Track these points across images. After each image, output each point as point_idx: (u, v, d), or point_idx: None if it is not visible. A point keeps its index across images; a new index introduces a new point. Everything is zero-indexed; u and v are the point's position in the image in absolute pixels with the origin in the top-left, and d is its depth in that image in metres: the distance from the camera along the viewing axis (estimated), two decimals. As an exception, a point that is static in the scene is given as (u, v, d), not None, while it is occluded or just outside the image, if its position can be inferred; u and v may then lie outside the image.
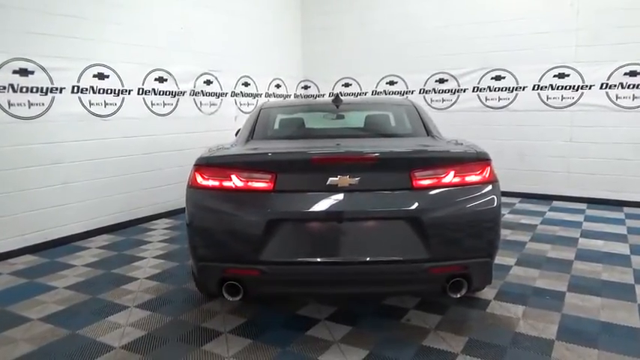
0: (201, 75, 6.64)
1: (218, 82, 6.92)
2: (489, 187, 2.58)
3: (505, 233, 4.97)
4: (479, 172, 2.58)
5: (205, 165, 2.63)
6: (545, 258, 4.21)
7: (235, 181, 2.55)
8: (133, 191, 5.78)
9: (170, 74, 6.16)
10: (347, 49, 8.26)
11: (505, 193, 6.84)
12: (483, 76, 7.16)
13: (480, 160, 2.60)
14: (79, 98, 5.16)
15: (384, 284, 2.57)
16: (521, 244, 4.64)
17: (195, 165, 2.66)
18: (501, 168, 6.92)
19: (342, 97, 3.67)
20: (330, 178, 2.43)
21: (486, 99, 7.19)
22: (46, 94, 4.86)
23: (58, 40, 4.90)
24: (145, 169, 5.86)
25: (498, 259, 3.96)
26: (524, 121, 6.94)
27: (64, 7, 4.92)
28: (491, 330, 2.88)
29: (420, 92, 7.68)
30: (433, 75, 7.53)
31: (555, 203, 6.48)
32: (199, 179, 2.64)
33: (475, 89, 7.24)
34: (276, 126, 3.51)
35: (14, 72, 4.59)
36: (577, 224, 5.35)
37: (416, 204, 2.42)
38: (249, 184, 2.52)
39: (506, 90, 7.02)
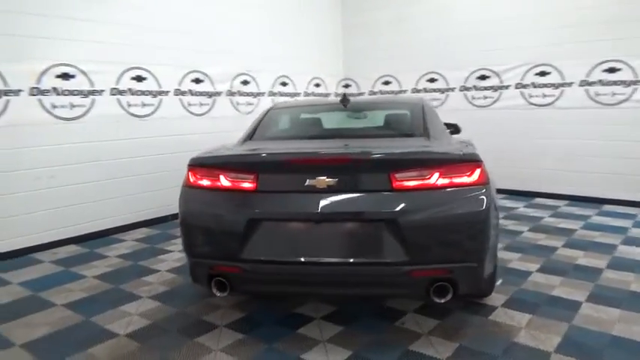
0: (238, 75, 6.82)
1: (255, 82, 7.09)
2: (477, 190, 2.49)
3: (538, 237, 4.77)
4: (466, 173, 2.50)
5: (197, 165, 2.73)
6: (573, 265, 3.98)
7: (223, 181, 2.63)
8: (170, 187, 6.04)
9: (206, 75, 6.39)
10: (386, 46, 8.17)
11: (549, 195, 6.64)
12: (527, 71, 6.84)
13: (467, 161, 2.52)
14: (118, 100, 5.48)
15: (362, 286, 2.56)
16: (552, 249, 4.42)
17: (188, 165, 2.78)
18: (545, 168, 6.70)
19: (350, 98, 3.66)
20: (308, 180, 2.45)
21: (530, 96, 6.86)
22: (87, 96, 5.21)
23: (97, 45, 5.23)
24: (181, 166, 6.10)
25: (520, 265, 3.86)
26: (571, 118, 6.56)
27: (104, 15, 5.24)
28: (486, 338, 2.78)
29: (460, 89, 7.47)
30: (474, 72, 7.29)
31: (606, 207, 6.08)
32: (192, 179, 2.75)
33: (518, 86, 6.93)
34: (279, 126, 3.57)
35: (57, 76, 4.95)
36: (622, 230, 5.01)
37: (394, 206, 2.39)
38: (235, 184, 2.60)
39: (551, 86, 6.67)
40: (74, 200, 5.12)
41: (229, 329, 2.96)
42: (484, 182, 2.53)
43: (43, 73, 4.86)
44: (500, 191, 6.96)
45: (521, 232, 4.99)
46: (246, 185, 2.57)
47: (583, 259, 4.13)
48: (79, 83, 5.13)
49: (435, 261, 2.43)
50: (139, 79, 5.67)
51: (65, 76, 5.03)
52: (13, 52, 4.59)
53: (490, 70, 7.14)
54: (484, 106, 7.27)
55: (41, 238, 4.89)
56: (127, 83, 5.56)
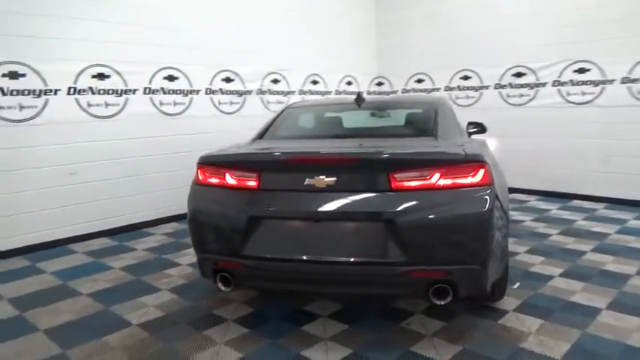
0: (269, 74, 6.93)
1: (286, 80, 7.17)
2: (480, 191, 2.44)
3: (567, 241, 4.60)
4: (468, 174, 2.45)
5: (205, 163, 2.82)
6: (600, 271, 3.82)
7: (228, 179, 2.70)
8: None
9: (237, 74, 6.52)
10: (419, 43, 8.07)
11: (587, 198, 6.37)
12: (565, 68, 6.57)
13: (470, 162, 2.47)
14: (151, 99, 5.69)
15: (360, 285, 2.56)
16: (579, 253, 4.25)
17: (197, 163, 2.86)
18: (583, 170, 6.42)
19: (364, 97, 3.65)
20: (308, 179, 2.48)
21: (568, 94, 6.60)
22: (121, 95, 5.44)
23: (131, 46, 5.46)
24: (210, 163, 6.28)
25: (542, 269, 3.75)
26: (612, 117, 6.25)
27: (138, 18, 5.45)
28: (492, 342, 2.73)
29: (495, 87, 7.27)
30: (510, 69, 7.09)
31: (646, 211, 5.78)
32: (200, 177, 2.84)
33: (555, 83, 6.68)
34: (291, 125, 3.60)
35: (93, 76, 5.20)
36: (659, 235, 4.75)
37: (392, 206, 2.38)
38: (240, 182, 2.66)
39: (590, 84, 6.38)
40: (107, 195, 5.36)
41: (237, 324, 3.04)
42: (487, 183, 2.47)
43: (80, 73, 5.12)
44: (534, 192, 6.79)
45: (550, 235, 4.82)
46: (250, 184, 2.63)
47: (611, 264, 3.95)
48: (113, 83, 5.36)
49: (434, 262, 2.41)
50: (171, 78, 5.86)
51: (101, 76, 5.27)
52: (52, 54, 4.86)
53: (526, 67, 6.92)
54: (519, 105, 7.05)
55: (76, 230, 5.16)
56: (159, 83, 5.76)
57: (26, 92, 4.78)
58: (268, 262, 2.55)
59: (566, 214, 5.70)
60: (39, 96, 4.86)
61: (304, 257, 2.49)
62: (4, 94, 4.64)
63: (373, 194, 2.43)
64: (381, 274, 2.42)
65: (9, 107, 4.68)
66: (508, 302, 3.23)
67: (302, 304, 3.27)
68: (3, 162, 4.64)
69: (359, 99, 3.60)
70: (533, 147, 6.93)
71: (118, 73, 5.39)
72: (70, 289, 3.76)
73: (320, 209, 2.47)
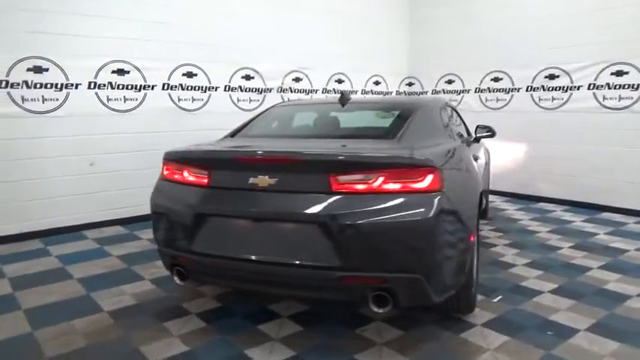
0: (290, 72, 6.96)
1: (308, 79, 7.18)
2: (424, 197, 2.34)
3: (575, 255, 4.32)
4: (415, 179, 2.35)
5: (168, 159, 2.88)
6: (597, 289, 3.56)
7: (185, 176, 2.75)
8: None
9: (257, 72, 6.60)
10: (451, 43, 7.82)
11: (619, 210, 5.93)
12: (601, 71, 6.15)
13: (417, 166, 2.36)
14: (169, 95, 5.89)
15: (297, 288, 2.52)
16: (583, 269, 3.98)
17: (163, 159, 2.93)
18: (617, 180, 5.99)
19: (350, 97, 3.59)
20: (251, 178, 2.48)
21: (604, 98, 6.17)
22: (139, 90, 5.66)
23: (151, 44, 5.66)
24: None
25: (534, 284, 3.57)
26: (653, 124, 5.79)
27: (157, 15, 5.65)
28: (443, 356, 2.61)
29: (527, 90, 6.92)
30: (542, 70, 6.72)
31: (687, 228, 5.31)
32: (165, 172, 2.91)
33: (591, 86, 6.26)
34: (267, 124, 3.60)
35: (113, 72, 5.45)
36: (686, 256, 4.35)
37: (328, 209, 2.33)
38: (194, 179, 2.70)
39: (629, 87, 5.94)
40: (123, 185, 5.60)
41: (198, 318, 3.09)
42: (435, 189, 2.36)
43: (101, 68, 5.37)
44: (563, 202, 6.42)
45: (559, 249, 4.54)
46: (201, 181, 2.66)
47: (614, 283, 3.66)
48: (132, 78, 5.59)
49: (370, 269, 2.33)
50: (190, 75, 6.03)
51: (120, 72, 5.51)
52: (74, 50, 5.13)
53: (560, 69, 6.54)
54: (552, 109, 6.67)
55: (91, 217, 5.44)
56: (178, 79, 5.94)
57: (49, 86, 5.08)
58: (213, 259, 2.57)
59: (589, 227, 5.34)
60: (61, 89, 5.14)
61: (246, 256, 2.49)
62: (28, 87, 4.95)
63: (312, 196, 2.39)
64: (317, 278, 2.38)
65: (32, 99, 5.00)
66: (480, 315, 3.09)
67: (268, 303, 3.28)
68: (25, 150, 4.96)
69: (343, 99, 3.54)
70: (564, 154, 6.54)
71: (137, 68, 5.60)
72: (66, 273, 3.97)
73: (261, 209, 2.46)
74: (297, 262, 2.39)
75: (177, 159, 2.81)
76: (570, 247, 4.58)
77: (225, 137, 3.42)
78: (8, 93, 4.85)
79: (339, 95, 3.52)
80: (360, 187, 2.36)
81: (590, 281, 3.71)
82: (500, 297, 3.38)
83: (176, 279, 2.82)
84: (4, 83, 4.81)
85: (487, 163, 5.29)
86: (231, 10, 6.25)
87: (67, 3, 5.04)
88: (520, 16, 6.88)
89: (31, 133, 5.00)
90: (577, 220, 5.66)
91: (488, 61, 7.33)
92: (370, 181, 2.36)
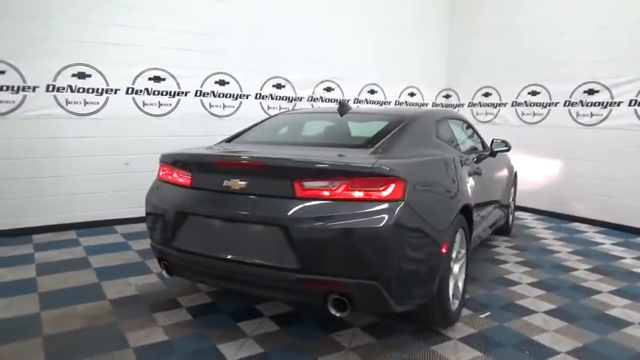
0: (322, 82, 7.12)
1: (340, 89, 7.30)
2: (385, 206, 2.39)
3: (589, 278, 4.15)
4: (378, 187, 2.41)
5: (162, 161, 3.11)
6: (598, 314, 3.40)
7: (174, 177, 2.96)
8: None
9: (288, 81, 6.82)
10: (489, 54, 7.68)
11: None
12: (643, 86, 5.82)
13: (378, 175, 2.41)
14: (201, 101, 6.22)
15: (263, 288, 2.63)
16: (591, 292, 3.81)
17: (159, 160, 3.16)
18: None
19: (349, 106, 3.69)
20: (226, 181, 2.63)
21: (646, 115, 5.83)
22: (174, 96, 6.02)
23: (186, 52, 6.01)
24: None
25: (531, 303, 3.52)
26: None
27: (192, 26, 6.00)
28: (406, 366, 2.63)
29: (565, 105, 6.67)
30: (581, 85, 6.46)
31: None
32: (160, 173, 3.13)
33: (632, 102, 5.95)
34: (264, 131, 3.74)
35: (149, 79, 5.84)
36: None
37: (289, 213, 2.43)
38: (180, 180, 2.91)
39: (673, 105, 5.59)
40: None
41: (187, 311, 3.28)
42: (398, 199, 2.41)
43: (138, 75, 5.78)
44: (599, 224, 6.13)
45: (575, 270, 4.36)
46: (185, 182, 2.86)
47: (619, 309, 3.49)
48: (167, 85, 5.96)
49: (327, 273, 2.41)
50: (222, 83, 6.34)
51: (157, 79, 5.90)
52: (114, 58, 5.57)
53: (600, 84, 6.26)
54: (590, 125, 6.39)
55: (124, 213, 5.82)
56: (210, 86, 6.26)
57: (90, 90, 5.53)
58: (190, 256, 2.75)
59: (617, 251, 5.08)
60: (101, 94, 5.59)
61: (217, 254, 2.64)
62: (72, 91, 5.42)
63: (277, 200, 2.50)
64: (278, 278, 2.48)
65: (75, 102, 5.47)
66: (460, 330, 3.06)
67: (255, 303, 3.41)
68: (68, 149, 5.43)
69: (341, 108, 3.64)
70: (601, 173, 6.24)
71: (172, 76, 5.97)
72: (86, 262, 4.31)
73: (232, 210, 2.61)
74: (261, 262, 2.51)
75: (169, 161, 3.02)
76: (587, 270, 4.38)
77: (222, 142, 3.61)
78: (54, 96, 5.34)
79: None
80: (322, 193, 2.45)
81: (593, 305, 3.56)
82: (488, 313, 3.33)
83: (164, 272, 3.02)
84: (51, 87, 5.30)
85: (508, 179, 5.17)
86: (265, 22, 6.50)
87: (110, 15, 5.48)
88: (559, 29, 6.67)
89: (73, 133, 5.46)
90: (607, 243, 5.38)
91: (525, 74, 7.13)
92: (333, 188, 2.44)
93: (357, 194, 2.42)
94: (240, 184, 2.59)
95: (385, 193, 2.41)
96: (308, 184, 2.47)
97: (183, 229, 2.77)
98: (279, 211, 2.46)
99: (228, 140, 3.62)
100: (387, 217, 2.35)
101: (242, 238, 2.60)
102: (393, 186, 2.41)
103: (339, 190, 2.43)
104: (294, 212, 2.43)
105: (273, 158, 2.69)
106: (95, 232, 5.35)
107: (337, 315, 2.46)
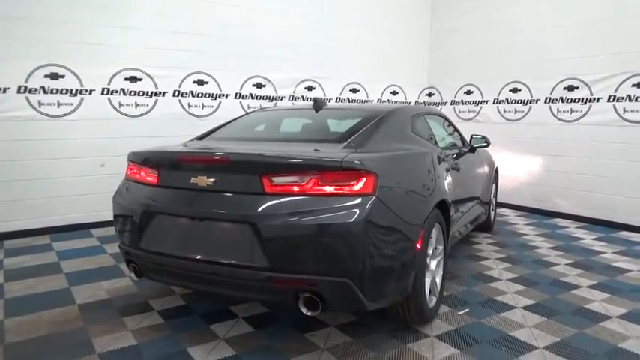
0: (303, 81, 7.05)
1: (321, 88, 7.24)
2: (356, 201, 2.32)
3: (569, 273, 4.15)
4: (348, 182, 2.35)
5: (129, 160, 3.01)
6: (577, 308, 3.37)
7: (142, 176, 2.87)
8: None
9: (268, 80, 6.74)
10: (472, 53, 7.68)
11: (639, 230, 5.56)
12: (622, 82, 5.85)
13: (349, 169, 2.35)
14: (179, 101, 6.11)
15: (233, 288, 2.54)
16: (570, 287, 3.80)
17: (127, 159, 3.06)
18: (638, 197, 5.62)
19: (324, 103, 3.63)
20: (192, 178, 2.55)
21: (624, 110, 5.87)
22: (151, 96, 5.91)
23: (163, 52, 5.90)
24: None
25: (509, 298, 3.50)
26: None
27: (167, 24, 5.89)
28: (381, 365, 2.57)
29: (545, 101, 6.68)
30: (561, 81, 6.47)
31: None
32: (128, 172, 3.03)
33: (611, 98, 5.97)
34: (238, 128, 3.66)
35: (125, 79, 5.72)
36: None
37: (257, 210, 2.36)
38: (147, 179, 2.81)
39: (651, 100, 5.61)
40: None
41: (158, 315, 3.18)
42: (368, 193, 2.35)
43: (114, 75, 5.66)
44: (580, 219, 6.13)
45: (554, 265, 4.34)
46: (152, 180, 2.76)
47: (597, 303, 3.46)
48: (144, 85, 5.84)
49: (298, 271, 2.34)
50: (201, 82, 6.24)
51: (133, 79, 5.78)
52: (89, 58, 5.44)
53: (579, 80, 6.28)
54: (570, 121, 6.41)
55: (100, 216, 5.66)
56: (189, 86, 6.15)
57: (64, 91, 5.40)
58: (158, 257, 2.65)
59: (597, 245, 5.07)
60: (75, 95, 5.46)
61: (185, 254, 2.55)
62: (45, 92, 5.29)
63: (245, 197, 2.43)
64: (247, 278, 2.40)
65: (49, 104, 5.33)
66: (438, 327, 3.01)
67: (230, 304, 3.32)
68: (42, 151, 5.29)
69: (316, 105, 3.57)
70: (582, 168, 6.26)
71: (149, 76, 5.86)
72: (58, 268, 4.18)
73: (198, 208, 2.52)
74: (230, 261, 2.42)
75: (136, 160, 2.92)
76: (567, 265, 4.36)
77: (193, 139, 3.52)
78: (26, 97, 5.19)
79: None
80: (291, 188, 2.38)
81: (572, 299, 3.53)
82: (466, 310, 3.28)
83: (132, 275, 2.92)
84: (22, 88, 5.15)
85: (489, 175, 5.14)
86: (244, 20, 6.41)
87: (83, 14, 5.36)
88: (539, 26, 6.69)
89: (46, 135, 5.32)
90: (587, 238, 5.38)
91: (507, 72, 7.14)
92: (303, 184, 2.37)
93: (328, 189, 2.35)
94: (207, 181, 2.51)
95: (356, 188, 2.35)
96: (277, 179, 2.39)
97: (150, 229, 2.67)
98: (248, 208, 2.38)
99: (200, 138, 3.53)
100: (357, 212, 2.29)
101: (210, 237, 2.52)
102: (363, 180, 2.35)
103: (309, 186, 2.36)
104: (263, 209, 2.36)
105: (241, 153, 2.62)
106: (70, 237, 5.22)
107: (309, 314, 2.39)
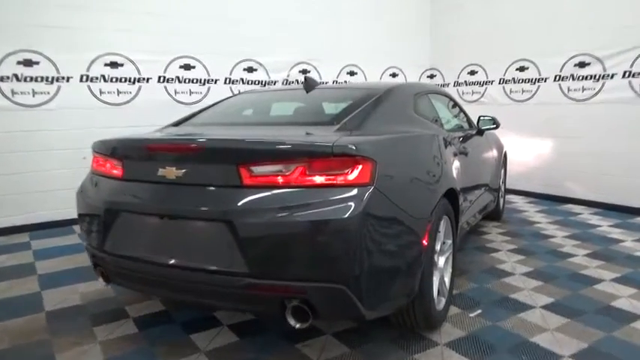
0: (297, 64, 6.66)
1: (317, 71, 6.84)
2: (351, 192, 1.95)
3: (589, 265, 3.79)
4: (340, 171, 1.98)
5: (94, 150, 2.64)
6: (602, 306, 3.02)
7: (107, 167, 2.50)
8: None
9: (260, 64, 6.34)
10: (475, 30, 7.25)
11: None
12: (638, 57, 5.43)
13: (342, 155, 1.98)
14: (165, 87, 5.73)
15: (208, 296, 2.18)
16: (593, 281, 3.44)
17: (92, 150, 2.70)
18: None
19: (316, 82, 3.25)
20: (160, 169, 2.18)
21: (642, 87, 5.45)
22: (134, 83, 5.53)
23: (146, 35, 5.51)
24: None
25: (526, 296, 3.14)
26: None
27: (148, 5, 5.49)
28: (384, 381, 2.22)
29: (555, 80, 6.27)
30: (572, 58, 6.06)
31: None
32: (93, 164, 2.67)
33: (627, 74, 5.56)
34: (220, 112, 3.27)
35: (106, 65, 5.34)
36: None
37: (234, 205, 1.99)
38: (112, 171, 2.45)
39: (670, 75, 5.21)
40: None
41: (134, 323, 2.84)
42: (365, 183, 1.98)
43: (93, 61, 5.27)
44: (594, 204, 5.75)
45: (573, 256, 3.98)
46: (116, 173, 2.40)
47: (625, 299, 3.11)
48: (126, 71, 5.46)
49: (282, 277, 1.98)
50: (188, 67, 5.85)
51: (113, 65, 5.40)
52: (66, 43, 5.06)
53: (591, 56, 5.86)
54: (582, 100, 6.00)
55: (83, 212, 5.33)
56: (175, 71, 5.77)
57: (39, 79, 5.02)
58: (124, 261, 2.30)
59: (615, 233, 4.71)
60: (52, 83, 5.08)
61: (153, 258, 2.20)
62: (18, 80, 4.91)
63: (220, 190, 2.07)
64: (224, 285, 2.05)
65: (22, 93, 4.96)
66: (448, 333, 2.66)
67: (214, 310, 2.98)
68: (16, 144, 4.93)
69: (307, 85, 3.20)
70: (595, 150, 5.87)
71: (131, 61, 5.47)
72: (32, 269, 3.85)
73: (167, 204, 2.17)
74: (204, 266, 2.07)
75: (101, 150, 2.56)
76: (585, 255, 4.00)
77: (168, 126, 3.15)
78: (-3, 86, 4.82)
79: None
80: (276, 179, 2.01)
81: (596, 296, 3.17)
82: (479, 311, 2.93)
83: (100, 280, 2.57)
84: (-7, 77, 4.78)
85: (497, 160, 4.77)
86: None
87: (57, -5, 4.97)
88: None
89: (21, 126, 4.97)
90: (604, 225, 5.02)
91: (513, 50, 6.73)
92: (288, 173, 2.00)
93: (317, 179, 1.99)
94: (176, 172, 2.14)
95: (350, 177, 1.98)
96: (257, 169, 2.02)
97: (114, 230, 2.32)
98: (223, 204, 2.02)
99: (176, 123, 3.16)
100: (353, 205, 1.92)
101: (182, 239, 2.16)
102: (360, 168, 1.98)
103: (295, 175, 1.99)
104: (241, 204, 1.99)
105: (214, 139, 2.25)
106: (50, 234, 4.88)
107: (297, 326, 2.03)
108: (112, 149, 2.46)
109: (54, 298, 3.24)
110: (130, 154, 2.39)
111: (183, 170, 2.13)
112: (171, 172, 2.15)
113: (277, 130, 2.58)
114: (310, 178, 1.99)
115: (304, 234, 1.92)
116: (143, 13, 5.46)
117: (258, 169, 2.02)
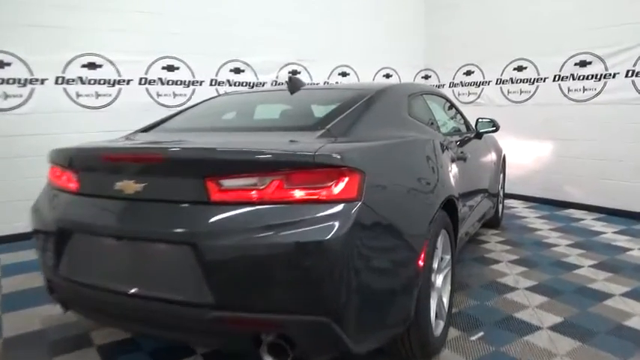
0: (287, 65, 6.39)
1: (307, 72, 6.57)
2: (335, 209, 1.68)
3: (597, 277, 3.54)
4: (323, 184, 1.71)
5: (50, 160, 2.36)
6: (615, 326, 2.77)
7: (63, 180, 2.22)
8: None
9: (248, 65, 6.07)
10: (471, 29, 7.01)
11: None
12: (642, 55, 5.20)
13: (325, 166, 1.71)
14: (147, 89, 5.44)
15: (167, 329, 1.91)
16: (604, 296, 3.19)
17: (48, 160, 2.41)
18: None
19: (302, 83, 2.98)
20: (117, 183, 1.90)
21: (646, 87, 5.22)
22: (113, 85, 5.25)
23: (126, 35, 5.23)
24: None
25: (530, 315, 2.87)
26: None
27: (131, 4, 5.21)
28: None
29: (554, 79, 6.04)
30: (572, 57, 5.82)
31: None
32: (49, 176, 2.38)
33: (630, 73, 5.32)
34: (195, 116, 3.00)
35: (83, 66, 5.05)
36: None
37: (199, 225, 1.72)
38: (68, 184, 2.16)
39: (676, 74, 4.98)
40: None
41: (97, 352, 2.55)
42: (352, 198, 1.71)
43: (69, 62, 4.98)
44: (596, 210, 5.51)
45: (578, 267, 3.73)
46: (72, 186, 2.12)
47: (639, 318, 2.84)
48: (105, 73, 5.18)
49: (256, 308, 1.70)
50: (171, 68, 5.57)
51: (91, 66, 5.11)
52: (39, 43, 4.76)
53: (592, 54, 5.62)
54: (582, 100, 5.77)
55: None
56: (157, 72, 5.49)
57: (11, 81, 4.73)
58: (79, 287, 2.01)
59: (621, 241, 4.46)
60: (24, 85, 4.79)
61: (110, 286, 1.91)
62: (-13, 82, 4.61)
63: (185, 207, 1.79)
64: (186, 317, 1.77)
65: (-7, 96, 4.65)
66: (447, 359, 2.38)
67: (189, 334, 2.68)
68: (-15, 150, 4.63)
69: (291, 85, 2.92)
70: (597, 153, 5.63)
71: (110, 62, 5.20)
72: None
73: (124, 223, 1.89)
74: (162, 295, 1.79)
75: (58, 160, 2.27)
76: (592, 267, 3.75)
77: (137, 131, 2.87)
78: (-35, 89, 4.52)
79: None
80: (249, 194, 1.73)
81: (607, 314, 2.91)
82: (481, 334, 2.66)
83: (59, 306, 2.28)
84: (-40, 79, 4.48)
85: (496, 164, 4.51)
86: (217, -2, 5.73)
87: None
88: (547, -4, 6.01)
89: (-8, 131, 4.66)
90: (608, 232, 4.77)
91: (510, 49, 6.49)
92: (263, 187, 1.72)
93: (297, 194, 1.72)
94: (135, 186, 1.86)
95: (335, 191, 1.71)
96: (226, 182, 1.75)
97: (68, 252, 2.04)
98: (187, 223, 1.75)
99: (146, 129, 2.87)
100: (337, 224, 1.65)
101: (141, 263, 1.88)
102: (345, 180, 1.71)
103: (271, 190, 1.71)
104: (208, 224, 1.72)
105: (178, 149, 1.96)
106: (22, 247, 4.56)
107: (274, 366, 1.75)
108: (68, 159, 2.17)
109: (15, 321, 2.96)
110: (86, 165, 2.10)
111: (143, 184, 1.84)
112: (129, 186, 1.86)
113: (253, 136, 2.31)
114: (288, 192, 1.71)
115: (281, 258, 1.65)
116: (125, 12, 5.19)
117: (228, 183, 1.75)
